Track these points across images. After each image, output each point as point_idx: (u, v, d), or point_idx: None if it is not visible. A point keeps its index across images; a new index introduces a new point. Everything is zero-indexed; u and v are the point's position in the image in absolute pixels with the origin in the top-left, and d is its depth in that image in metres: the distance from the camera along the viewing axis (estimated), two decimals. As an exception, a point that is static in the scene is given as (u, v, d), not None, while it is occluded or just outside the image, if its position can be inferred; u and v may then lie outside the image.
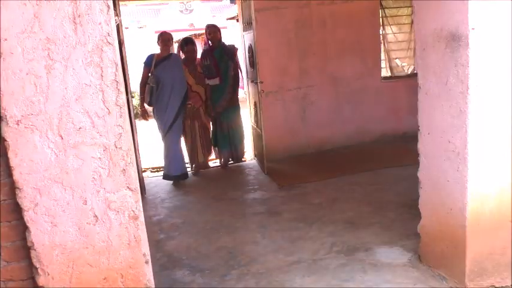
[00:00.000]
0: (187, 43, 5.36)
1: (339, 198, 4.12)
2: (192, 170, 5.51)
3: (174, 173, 5.08)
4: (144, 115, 5.29)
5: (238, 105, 5.61)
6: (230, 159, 5.71)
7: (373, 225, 3.45)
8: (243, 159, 5.85)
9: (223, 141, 5.57)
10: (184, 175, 5.16)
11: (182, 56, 5.30)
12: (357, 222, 3.54)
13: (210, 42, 5.39)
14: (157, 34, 5.20)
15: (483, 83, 2.27)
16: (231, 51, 5.43)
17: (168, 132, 4.98)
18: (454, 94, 2.34)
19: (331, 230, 3.43)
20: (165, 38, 5.08)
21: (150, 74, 4.96)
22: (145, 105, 5.11)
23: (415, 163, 2.74)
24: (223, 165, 5.67)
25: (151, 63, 4.98)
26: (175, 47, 6.54)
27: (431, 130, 2.57)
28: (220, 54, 5.33)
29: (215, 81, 5.30)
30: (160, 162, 5.97)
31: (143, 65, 5.09)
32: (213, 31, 5.36)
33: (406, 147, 5.14)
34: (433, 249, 2.71)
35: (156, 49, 5.16)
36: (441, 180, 2.54)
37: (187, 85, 5.10)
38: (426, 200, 2.71)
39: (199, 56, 5.49)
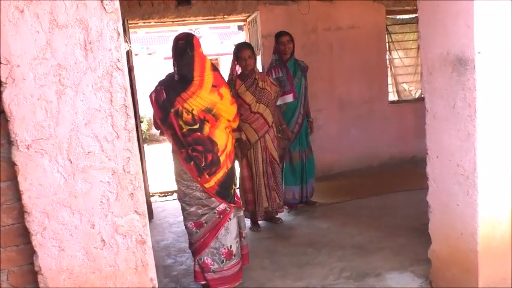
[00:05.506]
0: (243, 48, 3.94)
1: (348, 223, 4.08)
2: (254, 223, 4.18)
3: None
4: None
5: (308, 130, 4.59)
6: (299, 198, 4.57)
7: (383, 250, 3.40)
8: (314, 202, 4.67)
9: (292, 176, 4.46)
10: None
11: (238, 68, 3.96)
12: (367, 247, 3.49)
13: (281, 53, 4.34)
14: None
15: (491, 106, 2.27)
16: (305, 67, 4.49)
17: None
18: (462, 117, 2.34)
19: (340, 255, 3.39)
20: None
21: None
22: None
23: (424, 187, 2.71)
24: (291, 206, 4.54)
25: None
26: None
27: (439, 154, 2.56)
28: (294, 67, 4.38)
29: (288, 98, 4.24)
30: (169, 186, 5.99)
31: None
32: (287, 40, 4.31)
33: (415, 171, 5.11)
34: (445, 275, 2.65)
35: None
36: (451, 204, 2.51)
37: (246, 105, 3.83)
38: (436, 224, 2.67)
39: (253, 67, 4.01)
